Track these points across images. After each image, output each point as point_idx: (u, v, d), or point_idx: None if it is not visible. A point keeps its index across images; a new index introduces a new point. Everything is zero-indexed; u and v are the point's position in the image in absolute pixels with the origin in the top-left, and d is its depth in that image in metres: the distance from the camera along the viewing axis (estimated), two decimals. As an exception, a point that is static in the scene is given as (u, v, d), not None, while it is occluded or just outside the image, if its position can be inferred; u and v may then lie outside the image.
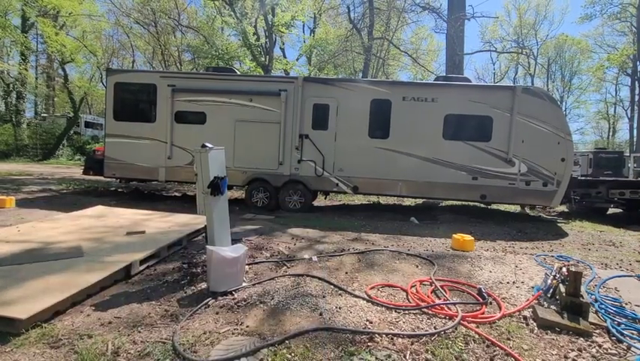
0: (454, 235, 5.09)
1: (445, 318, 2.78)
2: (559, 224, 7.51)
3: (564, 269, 3.07)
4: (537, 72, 34.35)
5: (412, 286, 3.34)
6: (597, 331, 2.65)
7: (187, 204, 7.81)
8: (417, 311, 2.89)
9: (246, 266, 3.65)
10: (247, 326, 2.53)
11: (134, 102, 8.23)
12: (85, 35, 23.06)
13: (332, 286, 3.32)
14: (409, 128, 7.38)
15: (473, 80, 8.98)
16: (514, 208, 9.23)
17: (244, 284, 3.26)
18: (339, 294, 3.17)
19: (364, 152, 7.44)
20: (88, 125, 24.67)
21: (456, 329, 2.60)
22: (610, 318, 2.81)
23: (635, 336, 2.60)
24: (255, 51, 18.21)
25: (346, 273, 3.73)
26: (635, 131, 27.30)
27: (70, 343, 2.25)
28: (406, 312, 2.87)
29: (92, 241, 4.03)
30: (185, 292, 3.10)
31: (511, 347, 2.39)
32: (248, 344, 2.27)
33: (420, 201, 9.97)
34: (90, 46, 22.17)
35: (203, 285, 3.23)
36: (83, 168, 9.57)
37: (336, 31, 24.10)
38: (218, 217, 3.41)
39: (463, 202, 8.83)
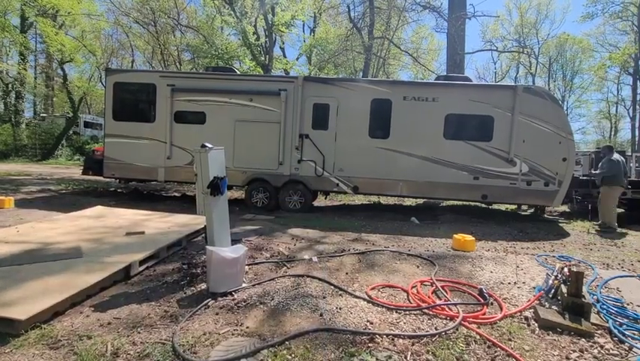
0: (454, 235, 5.08)
1: (446, 319, 2.77)
2: (560, 224, 7.49)
3: (566, 269, 3.05)
4: (538, 71, 34.30)
5: (412, 287, 3.33)
6: (599, 332, 2.64)
7: (186, 204, 7.80)
8: (418, 312, 2.87)
9: (246, 267, 3.64)
10: (247, 327, 2.52)
11: (133, 102, 8.22)
12: (84, 35, 22.98)
13: (332, 287, 3.30)
14: (409, 127, 7.36)
15: (474, 80, 8.96)
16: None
17: (244, 285, 3.25)
18: (340, 295, 3.16)
19: (365, 152, 7.42)
20: (87, 125, 24.61)
21: (457, 329, 2.59)
22: (612, 319, 2.80)
23: (636, 336, 2.59)
24: (255, 50, 18.18)
25: (347, 273, 3.72)
26: (637, 130, 27.32)
27: (69, 344, 2.24)
28: (407, 313, 2.86)
29: (92, 241, 4.01)
30: (185, 293, 3.09)
31: (512, 348, 2.38)
32: (248, 345, 2.26)
33: (420, 201, 9.96)
34: (89, 45, 22.11)
35: (203, 286, 3.21)
36: (82, 168, 9.55)
37: (336, 30, 24.05)
38: (217, 218, 3.39)
39: (464, 202, 8.81)
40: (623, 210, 8.18)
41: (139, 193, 9.80)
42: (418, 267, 4.03)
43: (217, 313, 2.72)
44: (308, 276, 3.54)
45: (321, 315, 2.74)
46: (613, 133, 35.96)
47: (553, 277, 3.17)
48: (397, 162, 7.38)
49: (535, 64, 33.47)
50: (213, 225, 3.36)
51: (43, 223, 4.87)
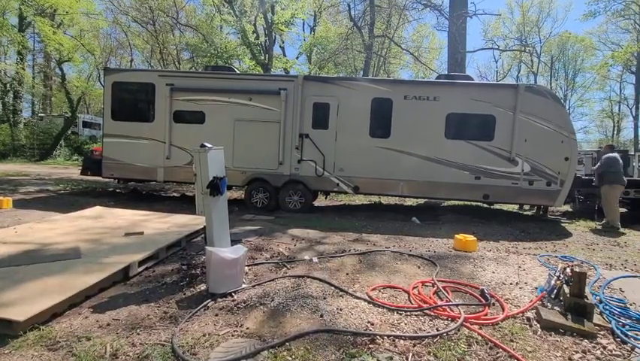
0: (456, 236, 5.06)
1: (447, 320, 2.75)
2: (562, 224, 7.47)
3: (568, 270, 3.04)
4: (540, 70, 34.27)
5: (413, 288, 3.31)
6: (602, 332, 2.62)
7: (186, 204, 7.78)
8: (419, 313, 2.86)
9: (246, 267, 3.62)
10: (247, 328, 2.50)
11: (132, 102, 8.19)
12: (82, 34, 22.94)
13: (333, 288, 3.28)
14: (410, 127, 7.33)
15: (475, 79, 8.93)
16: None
17: (244, 286, 3.23)
18: (340, 295, 3.14)
19: (365, 151, 7.39)
20: (85, 125, 24.57)
21: (458, 330, 2.57)
22: (614, 319, 2.78)
23: (639, 337, 2.57)
24: (255, 49, 18.14)
25: (347, 274, 3.70)
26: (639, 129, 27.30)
27: (68, 345, 2.22)
28: (408, 313, 2.84)
29: (90, 242, 3.99)
30: (185, 294, 3.07)
31: (514, 349, 2.36)
32: (248, 346, 2.25)
33: (422, 201, 9.93)
34: (88, 45, 22.07)
35: (203, 286, 3.19)
36: (80, 168, 9.54)
37: (336, 29, 24.01)
38: (217, 218, 3.38)
39: (466, 202, 8.79)
40: (626, 210, 8.16)
41: (138, 193, 9.77)
42: (419, 267, 4.01)
43: (217, 315, 2.70)
44: (308, 277, 3.52)
45: (321, 316, 2.72)
46: (615, 132, 35.90)
47: (555, 277, 3.16)
48: (398, 161, 7.35)
49: (537, 62, 33.44)
50: (213, 225, 3.34)
51: (42, 224, 4.84)
